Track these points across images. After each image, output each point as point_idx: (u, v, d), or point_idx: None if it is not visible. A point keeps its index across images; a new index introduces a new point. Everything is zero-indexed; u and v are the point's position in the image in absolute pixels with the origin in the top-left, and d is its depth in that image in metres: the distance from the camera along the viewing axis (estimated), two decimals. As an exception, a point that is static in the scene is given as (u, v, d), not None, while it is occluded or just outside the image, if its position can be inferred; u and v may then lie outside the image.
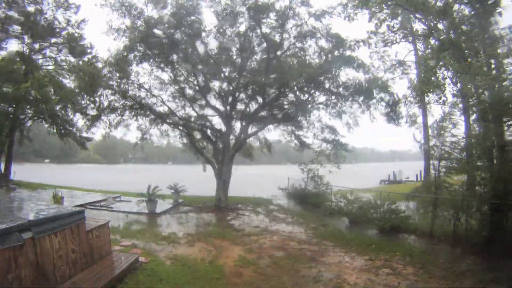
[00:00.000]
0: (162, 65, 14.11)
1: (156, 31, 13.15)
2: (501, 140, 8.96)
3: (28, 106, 19.04)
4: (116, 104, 14.25)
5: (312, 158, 16.04)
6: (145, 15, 13.11)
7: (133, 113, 14.64)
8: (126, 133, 15.22)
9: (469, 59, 9.23)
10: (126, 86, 14.21)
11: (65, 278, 4.75)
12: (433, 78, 9.85)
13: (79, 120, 19.77)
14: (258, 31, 13.79)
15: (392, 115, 13.88)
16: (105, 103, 14.15)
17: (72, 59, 20.26)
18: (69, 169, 46.21)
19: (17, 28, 18.84)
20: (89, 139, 21.03)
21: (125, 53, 13.17)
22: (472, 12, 9.50)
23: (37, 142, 22.55)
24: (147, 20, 12.93)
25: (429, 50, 10.73)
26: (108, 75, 13.64)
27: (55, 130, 20.28)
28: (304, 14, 13.70)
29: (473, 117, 10.36)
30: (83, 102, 15.27)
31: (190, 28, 13.36)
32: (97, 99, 13.99)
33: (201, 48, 14.13)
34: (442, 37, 9.82)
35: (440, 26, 10.30)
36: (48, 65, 20.97)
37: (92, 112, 14.68)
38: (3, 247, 3.71)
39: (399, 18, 12.42)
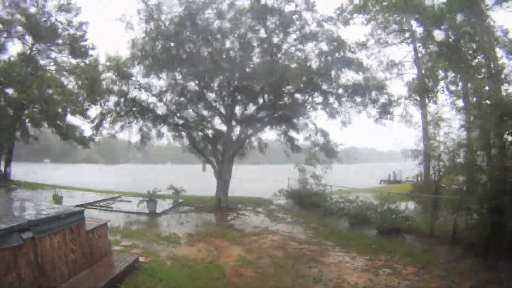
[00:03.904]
0: (163, 65, 14.12)
1: (165, 30, 13.25)
2: (500, 140, 8.96)
3: (31, 108, 19.09)
4: (118, 108, 14.27)
5: (309, 159, 16.05)
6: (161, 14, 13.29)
7: (134, 115, 14.64)
8: (129, 136, 15.19)
9: (468, 60, 9.22)
10: (127, 88, 14.21)
11: (65, 278, 4.74)
12: (430, 83, 9.85)
13: (81, 123, 19.97)
14: (261, 33, 13.86)
15: (385, 116, 13.90)
16: (107, 106, 14.19)
17: (73, 61, 20.35)
18: (69, 169, 46.20)
19: (19, 29, 18.94)
20: (91, 138, 21.07)
21: (128, 61, 13.30)
22: (464, 18, 9.51)
23: (37, 142, 22.52)
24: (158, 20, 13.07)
25: (428, 51, 10.72)
26: (109, 77, 13.68)
27: (57, 133, 20.34)
28: (308, 19, 13.90)
29: (473, 117, 10.34)
30: (85, 104, 15.28)
31: (199, 31, 13.44)
32: (99, 103, 14.02)
33: (203, 50, 14.14)
34: (440, 40, 9.82)
35: (437, 32, 10.33)
36: (50, 65, 21.00)
37: (94, 114, 14.81)
38: (3, 247, 3.71)
39: (396, 19, 12.42)
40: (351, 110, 14.50)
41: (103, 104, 14.36)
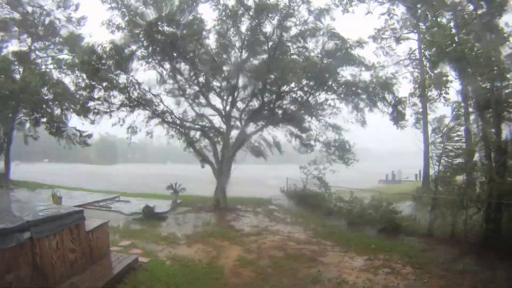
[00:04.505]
0: (161, 62, 14.03)
1: (156, 28, 13.07)
2: (499, 140, 8.98)
3: (26, 106, 18.96)
4: (114, 100, 14.16)
5: (313, 159, 15.99)
6: (144, 12, 13.05)
7: (129, 109, 14.50)
8: (130, 134, 15.01)
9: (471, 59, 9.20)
10: (124, 81, 14.09)
11: (64, 278, 4.73)
12: (432, 80, 9.82)
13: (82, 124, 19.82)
14: (259, 29, 13.78)
15: (396, 116, 13.85)
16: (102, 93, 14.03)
17: (74, 59, 20.26)
18: (68, 169, 46.08)
19: (17, 27, 18.87)
20: (89, 135, 20.95)
21: (124, 50, 13.09)
22: (478, 12, 9.48)
23: (36, 142, 22.45)
24: (146, 18, 12.86)
25: (434, 47, 10.64)
26: (107, 65, 13.49)
27: (52, 130, 20.23)
28: (305, 12, 13.73)
29: (472, 116, 10.36)
30: (81, 98, 15.05)
31: (190, 27, 13.31)
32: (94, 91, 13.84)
33: (201, 47, 14.08)
34: (446, 34, 9.78)
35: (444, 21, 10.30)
36: (47, 63, 20.92)
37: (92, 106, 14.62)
38: (2, 248, 3.70)
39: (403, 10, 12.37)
40: (354, 110, 14.51)
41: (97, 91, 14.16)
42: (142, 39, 13.02)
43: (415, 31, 15.04)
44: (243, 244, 9.05)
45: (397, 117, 13.95)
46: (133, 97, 14.29)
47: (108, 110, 14.39)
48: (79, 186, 19.75)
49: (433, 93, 10.72)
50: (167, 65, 14.31)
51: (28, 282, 4.01)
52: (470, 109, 10.31)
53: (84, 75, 13.75)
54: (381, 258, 7.97)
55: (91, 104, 14.35)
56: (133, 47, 13.45)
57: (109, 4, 12.89)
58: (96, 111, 14.42)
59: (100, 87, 13.87)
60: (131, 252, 7.26)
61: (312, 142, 16.13)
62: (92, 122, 14.65)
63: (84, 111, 14.37)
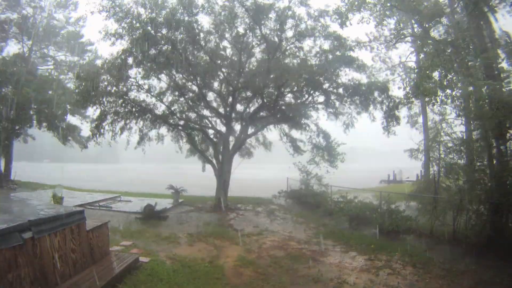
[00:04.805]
0: (160, 67, 14.01)
1: (153, 33, 12.97)
2: (500, 141, 8.95)
3: (30, 110, 19.08)
4: (118, 109, 14.11)
5: (310, 158, 16.06)
6: (142, 17, 12.91)
7: (133, 116, 14.50)
8: (128, 136, 15.00)
9: (467, 61, 9.18)
10: (125, 89, 14.06)
11: (65, 278, 4.74)
12: (426, 84, 9.79)
13: (79, 123, 19.94)
14: (258, 31, 13.74)
15: (390, 122, 13.77)
16: (106, 108, 14.01)
17: (72, 58, 20.36)
18: (69, 169, 46.17)
19: (16, 28, 18.93)
20: (90, 138, 21.06)
21: (123, 57, 12.99)
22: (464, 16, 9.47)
23: (37, 142, 22.55)
24: (143, 22, 12.73)
25: (426, 52, 10.63)
26: (107, 78, 13.48)
27: (57, 135, 20.37)
28: (303, 14, 13.63)
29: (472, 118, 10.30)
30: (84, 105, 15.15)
31: (187, 30, 13.26)
32: (98, 104, 13.86)
33: (199, 50, 14.06)
34: (438, 39, 9.80)
35: (435, 31, 10.31)
36: (48, 64, 21.00)
37: (93, 114, 14.66)
38: (3, 247, 3.71)
39: (395, 18, 12.29)
40: (353, 111, 14.49)
41: (103, 105, 14.19)
42: (141, 46, 12.87)
43: (410, 38, 14.98)
44: (243, 243, 9.06)
45: (391, 122, 13.82)
46: (136, 103, 14.22)
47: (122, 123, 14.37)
48: (80, 186, 19.81)
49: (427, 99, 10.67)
50: (165, 70, 14.25)
51: (29, 282, 4.02)
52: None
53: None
54: (381, 258, 7.98)
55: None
56: (131, 59, 13.27)
57: (106, 12, 12.72)
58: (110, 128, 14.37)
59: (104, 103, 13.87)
60: (132, 251, 7.28)
61: (305, 144, 16.24)
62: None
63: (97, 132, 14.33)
